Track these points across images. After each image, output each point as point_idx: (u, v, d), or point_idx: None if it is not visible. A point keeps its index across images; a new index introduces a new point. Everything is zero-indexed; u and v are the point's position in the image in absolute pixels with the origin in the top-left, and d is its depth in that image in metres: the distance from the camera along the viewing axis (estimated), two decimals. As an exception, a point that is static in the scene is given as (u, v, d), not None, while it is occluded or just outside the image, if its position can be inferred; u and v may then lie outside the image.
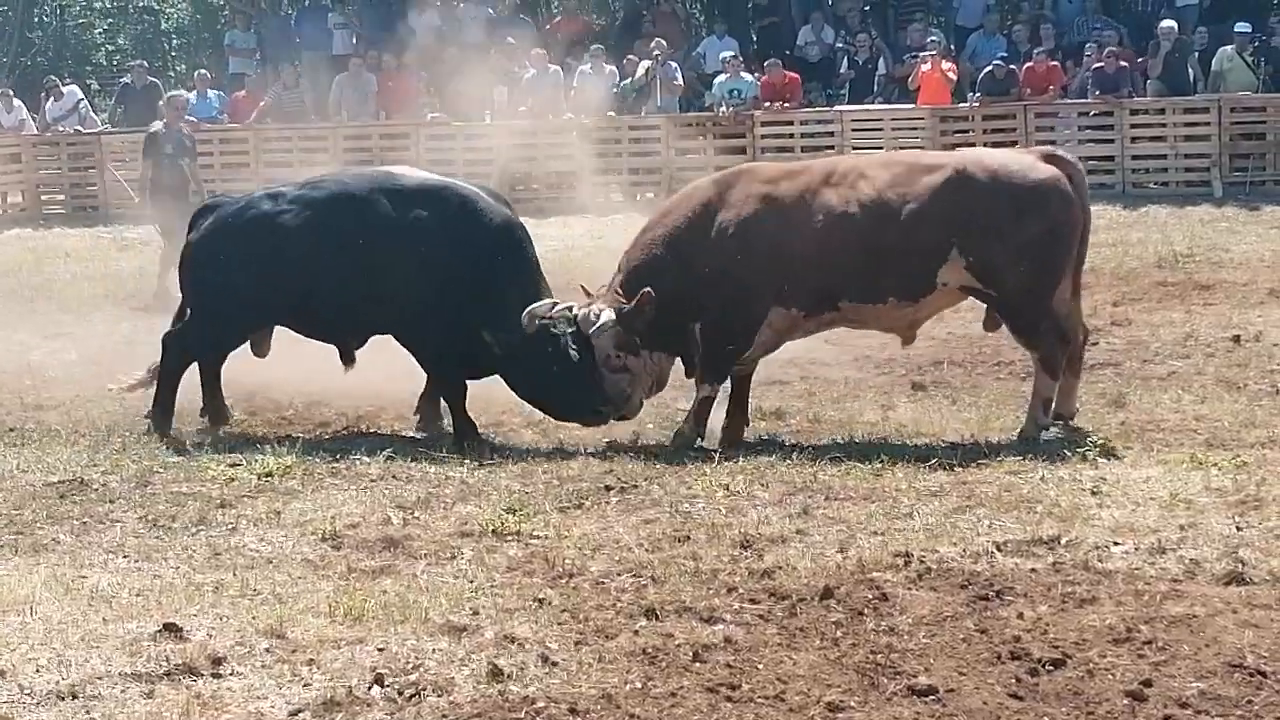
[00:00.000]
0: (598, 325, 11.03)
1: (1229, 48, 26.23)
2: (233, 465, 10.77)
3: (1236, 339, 14.06)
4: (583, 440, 11.31)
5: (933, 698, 6.42)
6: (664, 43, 28.12)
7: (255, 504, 9.83)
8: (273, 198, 12.05)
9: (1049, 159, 11.10)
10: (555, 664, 6.86)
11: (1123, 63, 26.27)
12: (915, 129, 26.82)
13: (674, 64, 28.03)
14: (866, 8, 30.95)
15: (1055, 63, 26.83)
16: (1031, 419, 11.00)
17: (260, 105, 28.74)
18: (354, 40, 30.26)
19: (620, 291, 11.17)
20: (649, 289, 10.87)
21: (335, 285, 11.64)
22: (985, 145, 26.08)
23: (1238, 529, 8.62)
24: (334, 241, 11.61)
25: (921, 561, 8.16)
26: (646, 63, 27.85)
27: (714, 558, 8.42)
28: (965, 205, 10.79)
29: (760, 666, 6.78)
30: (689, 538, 8.85)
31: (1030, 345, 11.10)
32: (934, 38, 27.57)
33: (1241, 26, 26.25)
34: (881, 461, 10.38)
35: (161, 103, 24.81)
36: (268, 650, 7.12)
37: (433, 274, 11.43)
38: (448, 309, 11.40)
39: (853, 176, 11.05)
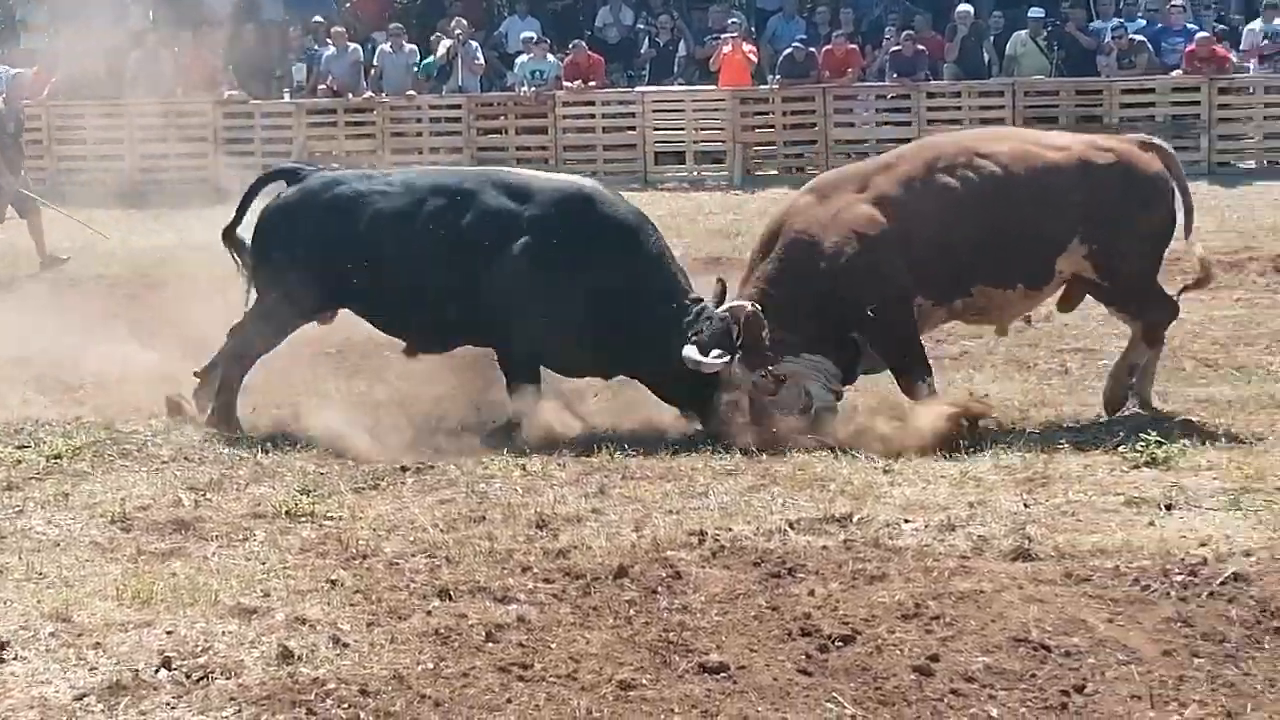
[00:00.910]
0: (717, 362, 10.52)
1: (1023, 32, 26.69)
2: (20, 447, 10.58)
3: (1027, 319, 14.23)
4: (379, 420, 11.22)
5: (723, 675, 6.44)
6: (464, 22, 27.98)
7: (43, 486, 9.66)
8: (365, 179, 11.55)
9: (1146, 147, 11.08)
10: (346, 645, 6.80)
11: (920, 46, 26.60)
12: (716, 111, 26.98)
13: (474, 44, 27.90)
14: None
15: (853, 46, 27.10)
16: (1118, 383, 10.94)
17: (52, 82, 28.17)
18: (150, 16, 29.76)
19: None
20: (746, 303, 10.56)
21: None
22: (784, 128, 26.44)
23: (1025, 506, 8.78)
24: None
25: (715, 540, 8.19)
26: (448, 42, 27.72)
27: (509, 538, 8.39)
28: (1092, 193, 10.72)
29: (553, 646, 6.77)
30: (485, 518, 8.83)
31: (1137, 316, 10.99)
32: (734, 19, 27.70)
33: (1035, 11, 26.69)
34: (679, 441, 10.44)
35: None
36: (53, 634, 6.98)
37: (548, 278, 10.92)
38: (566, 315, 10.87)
39: (965, 157, 10.87)
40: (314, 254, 11.21)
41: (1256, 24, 26.27)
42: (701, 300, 10.95)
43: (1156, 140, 11.41)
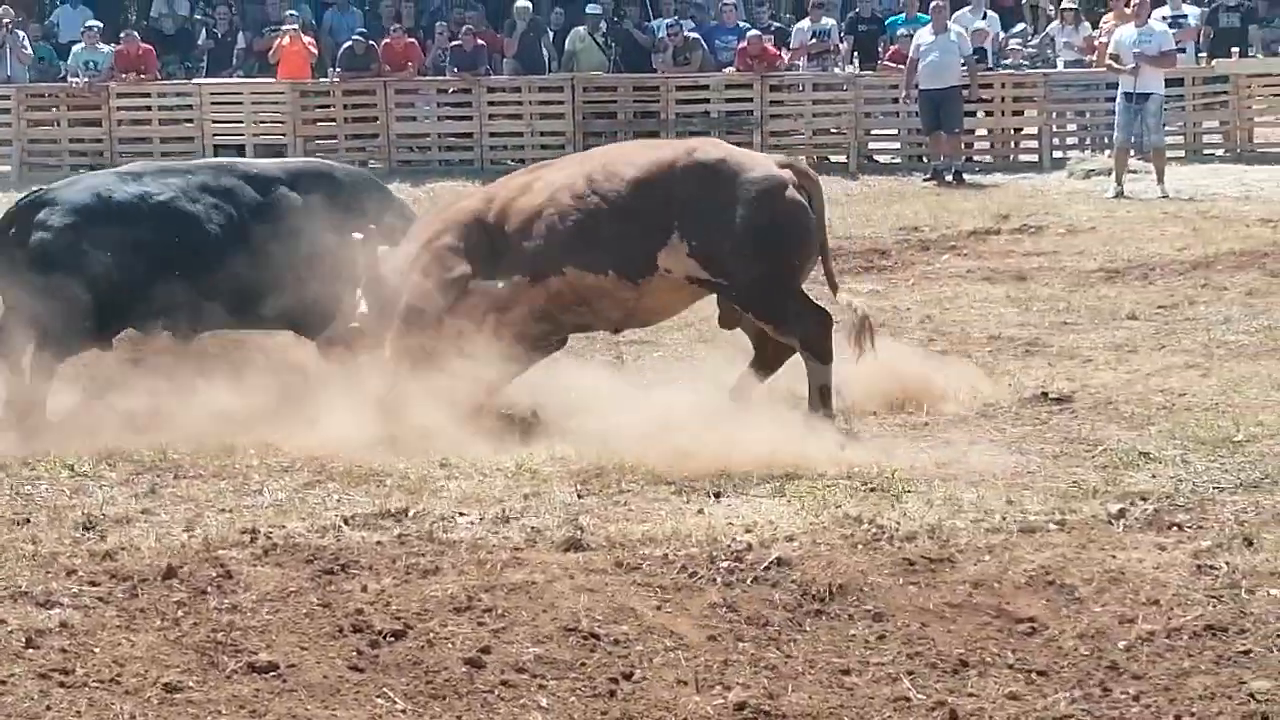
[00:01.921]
0: None
1: (581, 28, 27.03)
2: None
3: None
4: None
5: (273, 674, 6.39)
6: (12, 10, 27.15)
7: None
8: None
9: (782, 164, 10.95)
10: (-123, 657, 6.55)
11: (480, 41, 26.74)
12: (276, 104, 26.72)
13: (21, 32, 27.08)
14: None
15: (412, 40, 27.10)
16: (815, 412, 10.51)
17: None
18: None
19: None
20: None
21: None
22: (345, 121, 26.31)
23: (579, 496, 8.87)
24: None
25: (268, 538, 8.11)
26: (-6, 30, 26.91)
27: (54, 540, 8.16)
28: (689, 189, 10.61)
29: (97, 650, 6.62)
30: (29, 520, 8.58)
31: (786, 333, 10.62)
32: (293, 12, 27.41)
33: (593, 8, 27.08)
34: (233, 438, 10.28)
35: None
36: None
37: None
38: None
39: (590, 163, 11.07)
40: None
41: (805, 23, 27.05)
42: None
43: (794, 160, 11.48)
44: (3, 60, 26.83)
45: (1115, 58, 22.65)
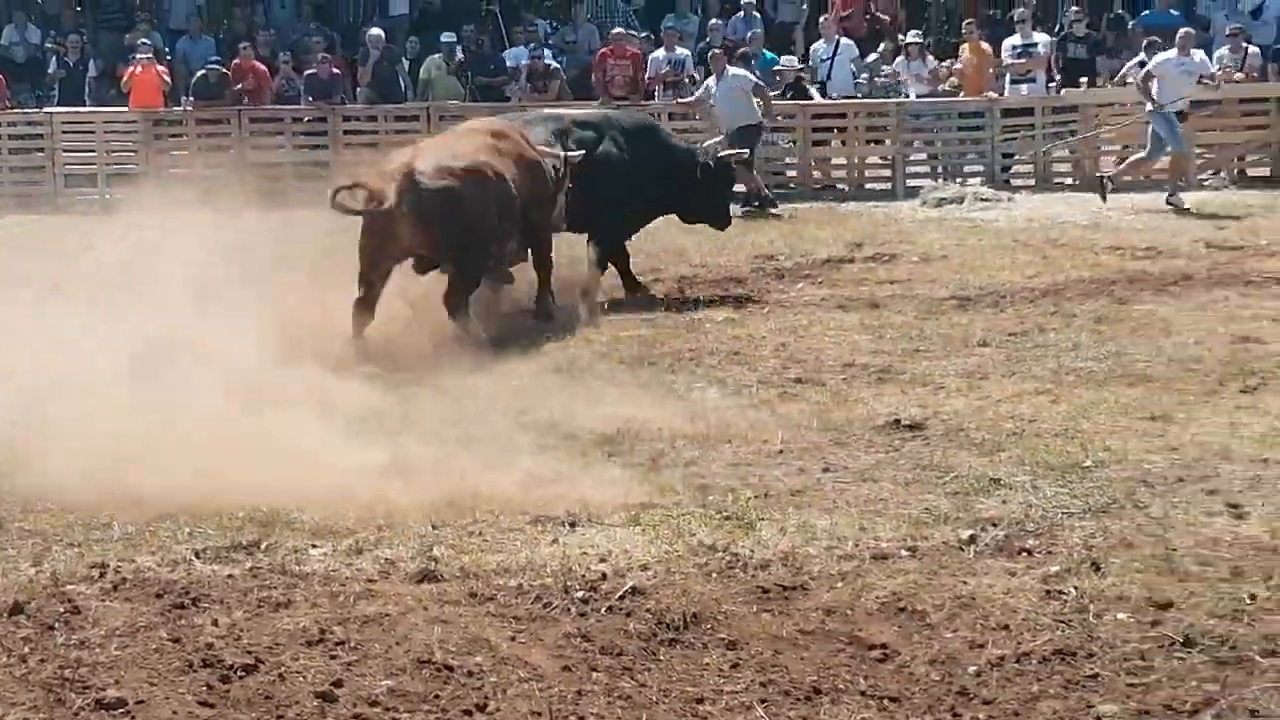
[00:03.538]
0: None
1: (436, 57, 26.95)
2: None
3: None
4: None
5: (121, 710, 6.32)
6: None
7: None
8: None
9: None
10: None
11: (336, 70, 26.62)
12: (128, 132, 26.41)
13: None
14: (79, 8, 30.26)
15: (262, 65, 26.92)
16: None
17: None
18: None
19: None
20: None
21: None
22: (199, 150, 26.02)
23: (433, 527, 8.80)
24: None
25: (117, 572, 8.01)
26: None
27: (-102, 577, 8.03)
28: None
29: (-59, 689, 6.53)
30: None
31: None
32: (145, 41, 27.13)
33: (447, 37, 27.02)
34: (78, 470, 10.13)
35: None
36: None
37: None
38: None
39: None
40: None
41: (660, 52, 27.03)
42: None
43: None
44: None
45: (1152, 79, 22.87)
